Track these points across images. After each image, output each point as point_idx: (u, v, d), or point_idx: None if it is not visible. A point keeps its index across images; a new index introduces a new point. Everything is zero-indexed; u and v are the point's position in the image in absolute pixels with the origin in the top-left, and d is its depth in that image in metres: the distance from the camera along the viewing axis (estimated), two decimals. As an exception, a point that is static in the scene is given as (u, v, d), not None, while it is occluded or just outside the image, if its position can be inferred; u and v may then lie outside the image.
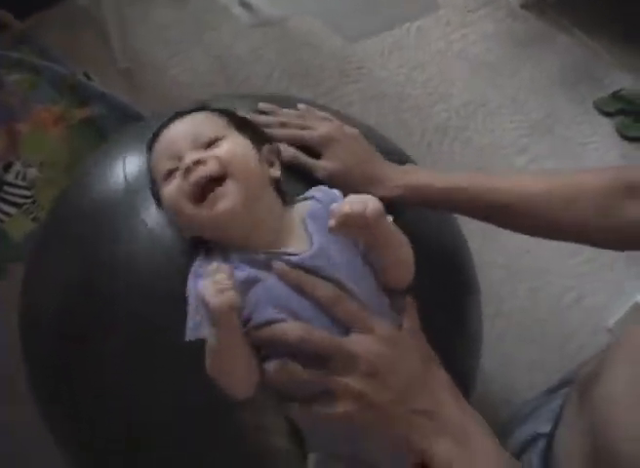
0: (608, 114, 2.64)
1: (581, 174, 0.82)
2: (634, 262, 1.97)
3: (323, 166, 0.84)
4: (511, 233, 0.88)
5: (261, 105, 0.90)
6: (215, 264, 0.62)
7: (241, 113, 0.82)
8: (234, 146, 0.70)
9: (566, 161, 2.42)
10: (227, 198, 0.66)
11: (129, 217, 0.82)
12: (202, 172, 0.66)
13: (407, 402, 0.63)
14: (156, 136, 0.76)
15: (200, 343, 0.64)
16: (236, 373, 0.64)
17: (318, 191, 0.76)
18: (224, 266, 0.62)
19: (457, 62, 2.71)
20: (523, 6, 3.04)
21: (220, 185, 0.67)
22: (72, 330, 0.85)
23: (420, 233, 0.79)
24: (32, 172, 1.81)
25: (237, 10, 2.75)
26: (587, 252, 1.98)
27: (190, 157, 0.67)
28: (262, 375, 0.65)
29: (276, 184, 0.76)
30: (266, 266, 0.65)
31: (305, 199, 0.76)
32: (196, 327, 0.65)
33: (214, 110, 0.78)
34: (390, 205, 0.73)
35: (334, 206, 0.64)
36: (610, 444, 0.56)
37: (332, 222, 0.63)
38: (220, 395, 0.66)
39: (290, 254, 0.67)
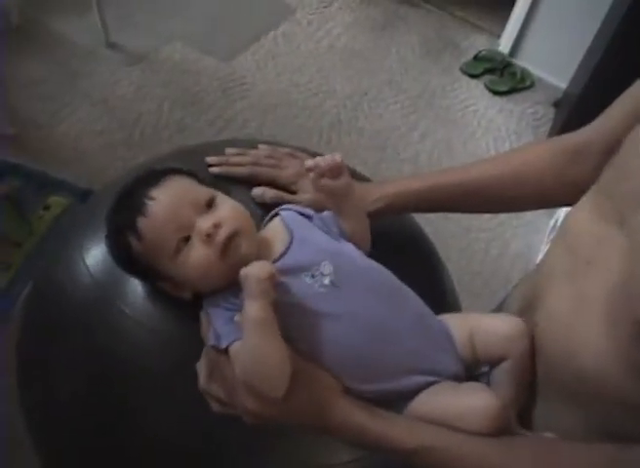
0: (475, 76, 2.86)
1: (528, 150, 0.95)
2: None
3: (301, 200, 0.92)
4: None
5: (229, 151, 0.96)
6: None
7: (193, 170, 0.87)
8: (231, 203, 0.79)
9: (453, 127, 2.62)
10: (244, 245, 0.75)
11: (106, 311, 0.85)
12: (224, 233, 0.74)
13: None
14: (138, 213, 0.76)
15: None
16: (271, 361, 0.69)
17: (281, 210, 0.85)
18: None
19: (329, 58, 2.85)
20: (371, -9, 3.21)
21: (236, 237, 0.75)
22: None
23: (390, 224, 0.94)
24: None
25: (105, 52, 2.75)
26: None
27: (206, 223, 0.74)
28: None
29: None
30: None
31: (273, 216, 0.84)
32: (227, 334, 0.70)
33: (175, 171, 0.81)
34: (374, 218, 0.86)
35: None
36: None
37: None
38: None
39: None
